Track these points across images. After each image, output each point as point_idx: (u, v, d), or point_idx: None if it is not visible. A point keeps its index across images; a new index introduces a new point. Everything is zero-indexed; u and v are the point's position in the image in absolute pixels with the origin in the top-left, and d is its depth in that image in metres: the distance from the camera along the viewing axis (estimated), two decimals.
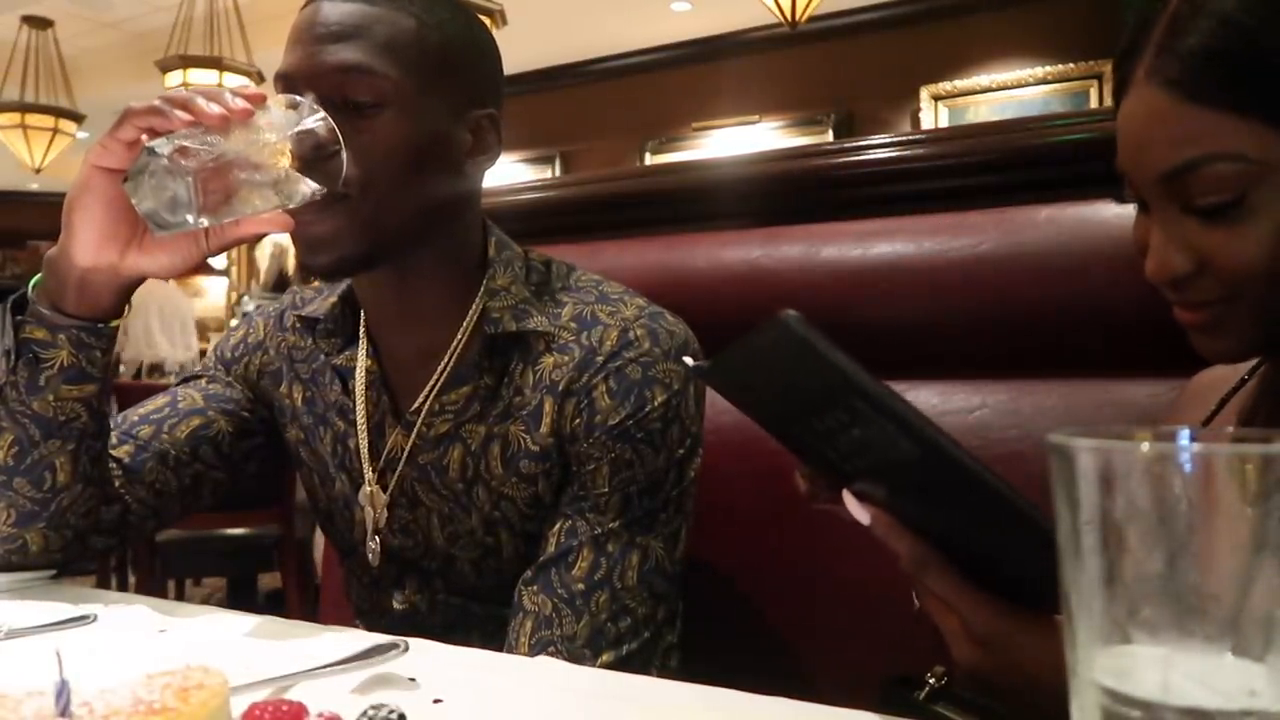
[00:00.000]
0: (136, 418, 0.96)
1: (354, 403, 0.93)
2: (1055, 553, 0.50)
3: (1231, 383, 0.75)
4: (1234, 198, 0.57)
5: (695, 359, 0.89)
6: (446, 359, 0.89)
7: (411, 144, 0.83)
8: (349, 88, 0.81)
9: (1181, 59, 0.57)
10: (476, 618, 0.93)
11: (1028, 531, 0.53)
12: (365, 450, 0.92)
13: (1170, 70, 0.58)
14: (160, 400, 0.98)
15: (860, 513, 0.61)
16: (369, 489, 0.92)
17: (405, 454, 0.91)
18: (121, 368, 4.91)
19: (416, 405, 0.90)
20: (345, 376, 0.94)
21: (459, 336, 0.89)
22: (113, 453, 0.92)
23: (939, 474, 0.55)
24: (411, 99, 0.83)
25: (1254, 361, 0.73)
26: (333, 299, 0.95)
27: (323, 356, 0.96)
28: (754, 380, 0.63)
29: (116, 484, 0.91)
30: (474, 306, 0.89)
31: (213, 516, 2.89)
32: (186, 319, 5.59)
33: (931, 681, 0.68)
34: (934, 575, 0.59)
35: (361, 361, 0.93)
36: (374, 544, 0.93)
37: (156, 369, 5.14)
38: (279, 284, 6.95)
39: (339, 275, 0.88)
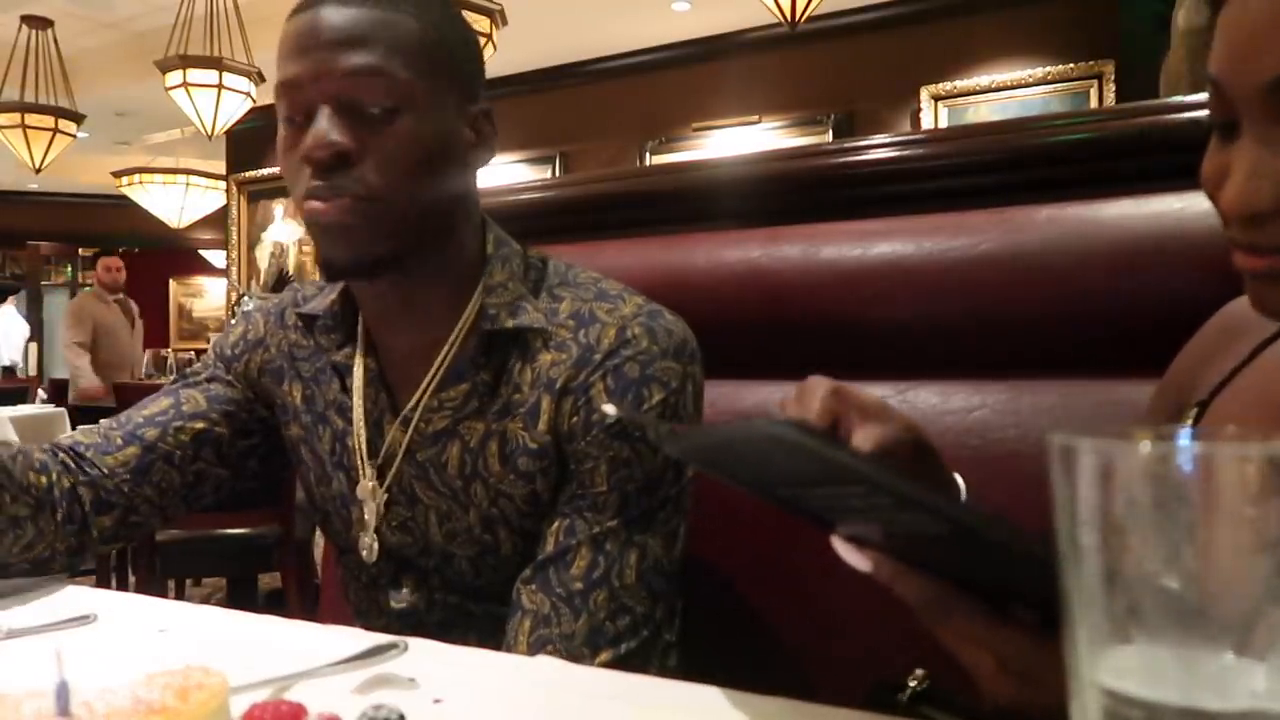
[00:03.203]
0: (140, 419, 0.97)
1: (352, 400, 0.93)
2: None
3: (1271, 328, 0.66)
4: None
5: (693, 358, 0.89)
6: (443, 356, 0.89)
7: (426, 145, 0.84)
8: (365, 93, 0.81)
9: None
10: (474, 617, 0.93)
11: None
12: (364, 447, 0.92)
13: None
14: (164, 402, 0.98)
15: (857, 560, 0.55)
16: (367, 484, 0.92)
17: (403, 451, 0.91)
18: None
19: (414, 402, 0.90)
20: (343, 374, 0.95)
21: (456, 333, 0.89)
22: (119, 455, 0.94)
23: (955, 542, 0.49)
24: (422, 100, 0.83)
25: None
26: (332, 296, 0.96)
27: (324, 355, 0.96)
28: (720, 461, 0.58)
29: (126, 488, 0.94)
30: (472, 303, 0.89)
31: (213, 516, 2.89)
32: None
33: (913, 685, 0.67)
34: (957, 617, 0.53)
35: (359, 359, 0.93)
36: (370, 539, 0.94)
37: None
38: (279, 284, 6.97)
39: (359, 275, 0.87)
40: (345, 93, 0.81)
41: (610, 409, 0.69)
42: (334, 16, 0.82)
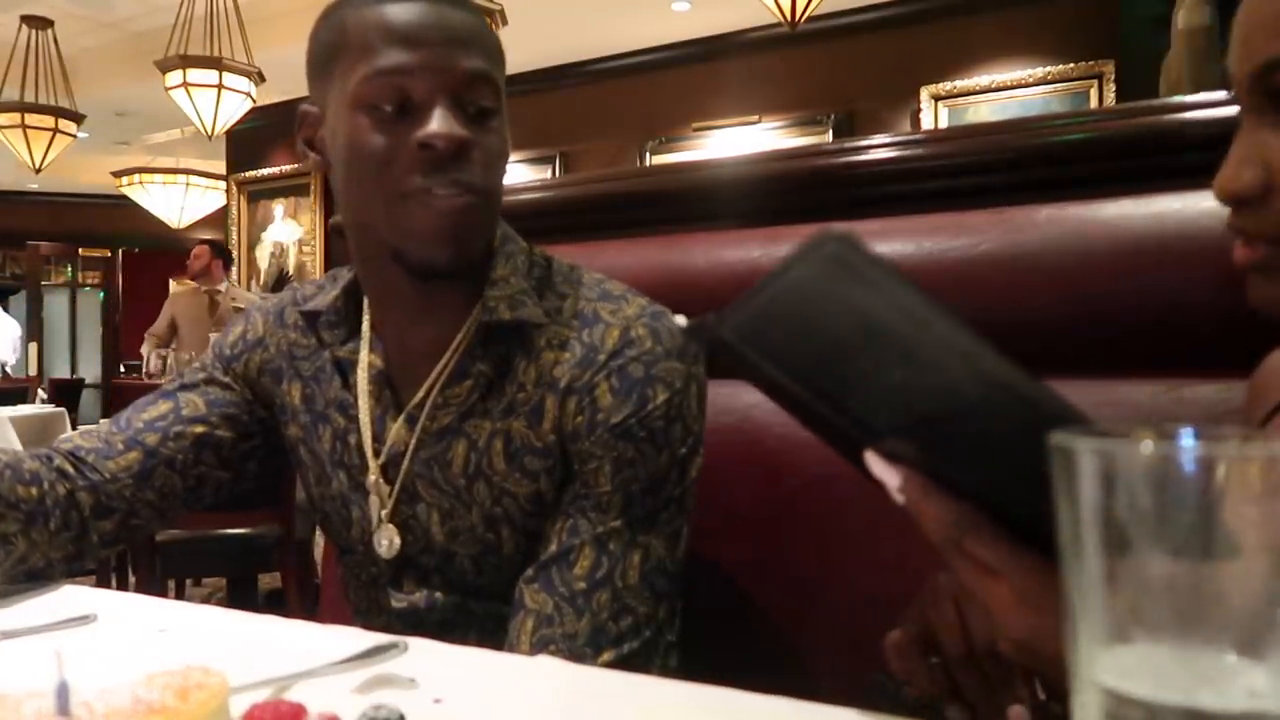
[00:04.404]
0: (141, 424, 0.96)
1: (355, 397, 0.93)
2: None
3: None
4: None
5: (696, 358, 0.89)
6: (451, 352, 0.89)
7: (507, 147, 0.88)
8: (477, 93, 0.84)
9: None
10: (475, 616, 0.93)
11: None
12: (369, 445, 0.92)
13: None
14: (163, 406, 0.98)
15: (888, 474, 0.54)
16: (373, 477, 0.92)
17: (410, 449, 0.91)
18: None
19: (419, 399, 0.90)
20: (346, 370, 0.95)
21: (465, 330, 0.89)
22: (120, 460, 0.94)
23: (1001, 415, 0.48)
24: (505, 106, 0.87)
25: None
26: (335, 293, 0.96)
27: (325, 353, 0.96)
28: (775, 333, 0.54)
29: (127, 493, 0.94)
30: (481, 300, 0.89)
31: (213, 516, 2.89)
32: None
33: None
34: (978, 538, 0.52)
35: (365, 356, 0.93)
36: (390, 533, 0.93)
37: None
38: (279, 283, 6.96)
39: (452, 271, 0.86)
40: (461, 90, 0.83)
41: (680, 319, 0.67)
42: (448, 14, 0.84)
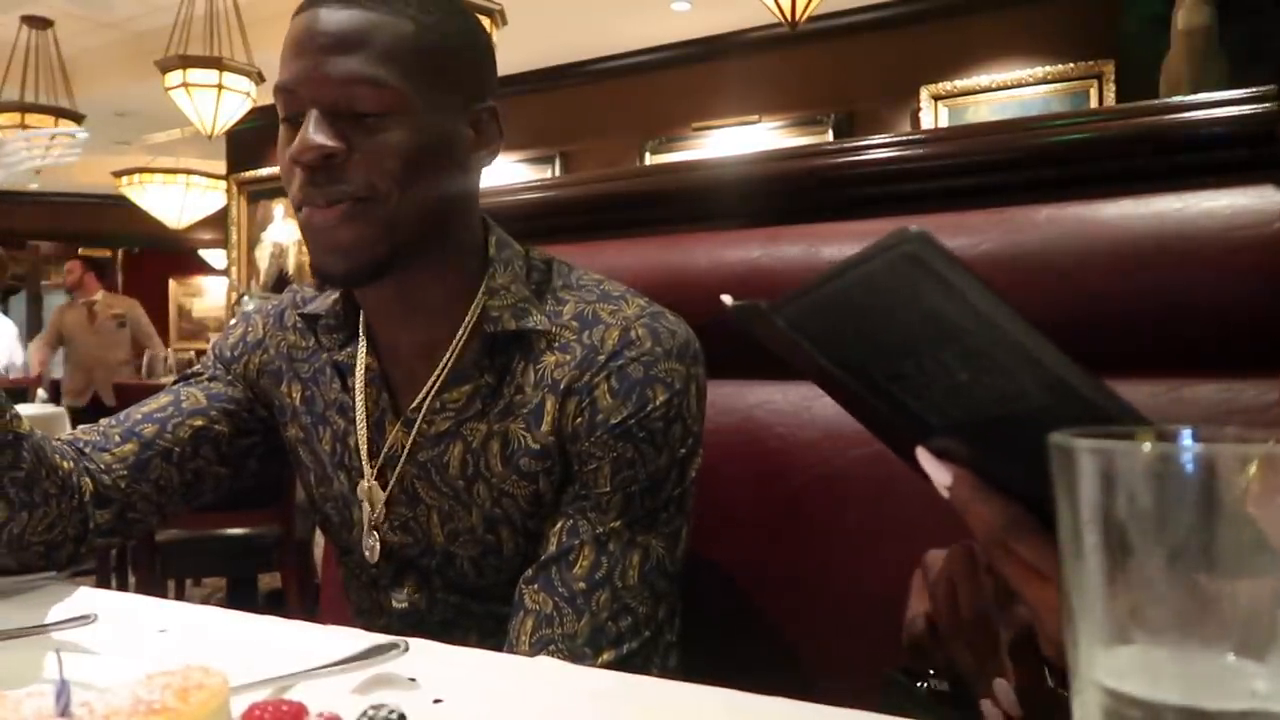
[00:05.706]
0: (140, 415, 0.97)
1: (354, 400, 0.93)
2: None
3: None
4: None
5: (696, 359, 0.89)
6: (447, 357, 0.89)
7: (419, 147, 0.83)
8: (354, 98, 0.81)
9: None
10: (475, 616, 0.93)
11: None
12: (364, 447, 0.92)
13: None
14: (164, 399, 0.98)
15: (939, 471, 0.53)
16: (367, 484, 0.92)
17: (406, 451, 0.91)
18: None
19: (417, 403, 0.90)
20: (345, 373, 0.95)
21: (459, 335, 0.89)
22: (116, 450, 0.94)
23: (1065, 421, 0.44)
24: (415, 104, 0.82)
25: None
26: (334, 296, 0.96)
27: (323, 355, 0.96)
28: (834, 324, 0.53)
29: (123, 484, 0.94)
30: (475, 305, 0.89)
31: (213, 516, 2.89)
32: None
33: (933, 675, 0.67)
34: (1026, 541, 0.51)
35: (361, 358, 0.93)
36: (372, 540, 0.94)
37: None
38: (278, 283, 6.97)
39: (355, 282, 0.87)
40: (335, 97, 0.81)
41: (727, 299, 0.65)
42: (329, 20, 0.81)
